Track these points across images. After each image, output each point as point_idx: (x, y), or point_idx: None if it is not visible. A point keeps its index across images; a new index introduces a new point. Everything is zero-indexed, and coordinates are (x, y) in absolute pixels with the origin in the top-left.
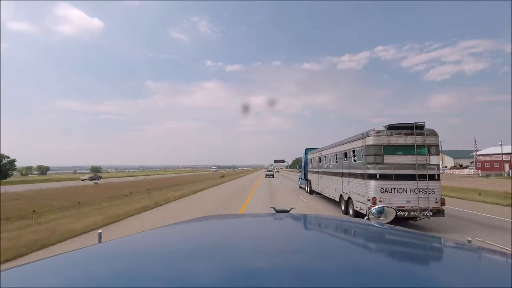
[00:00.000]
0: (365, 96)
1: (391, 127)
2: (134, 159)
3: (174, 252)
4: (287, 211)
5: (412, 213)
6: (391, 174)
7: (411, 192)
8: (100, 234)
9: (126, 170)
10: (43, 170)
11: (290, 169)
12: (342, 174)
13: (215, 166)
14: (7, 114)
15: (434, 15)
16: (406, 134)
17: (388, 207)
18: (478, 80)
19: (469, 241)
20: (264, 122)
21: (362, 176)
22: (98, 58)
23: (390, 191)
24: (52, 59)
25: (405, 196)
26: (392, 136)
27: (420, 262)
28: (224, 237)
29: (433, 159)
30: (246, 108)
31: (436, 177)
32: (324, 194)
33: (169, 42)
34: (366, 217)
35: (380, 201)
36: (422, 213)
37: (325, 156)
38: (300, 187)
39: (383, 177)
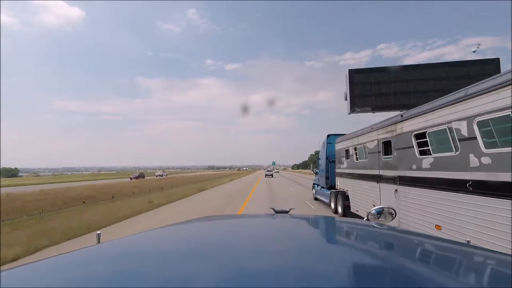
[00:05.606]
0: None
1: None
2: (130, 160)
3: (173, 252)
4: (287, 212)
5: None
6: None
7: None
8: (99, 235)
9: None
10: None
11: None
12: None
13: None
14: None
15: (437, 12)
16: None
17: (387, 207)
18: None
19: (468, 242)
20: (263, 122)
21: None
22: (87, 54)
23: None
24: (36, 53)
25: None
26: None
27: (420, 262)
28: (223, 238)
29: None
30: (245, 108)
31: None
32: None
33: (166, 40)
34: (366, 217)
35: None
36: None
37: (429, 134)
38: (316, 199)
39: None
